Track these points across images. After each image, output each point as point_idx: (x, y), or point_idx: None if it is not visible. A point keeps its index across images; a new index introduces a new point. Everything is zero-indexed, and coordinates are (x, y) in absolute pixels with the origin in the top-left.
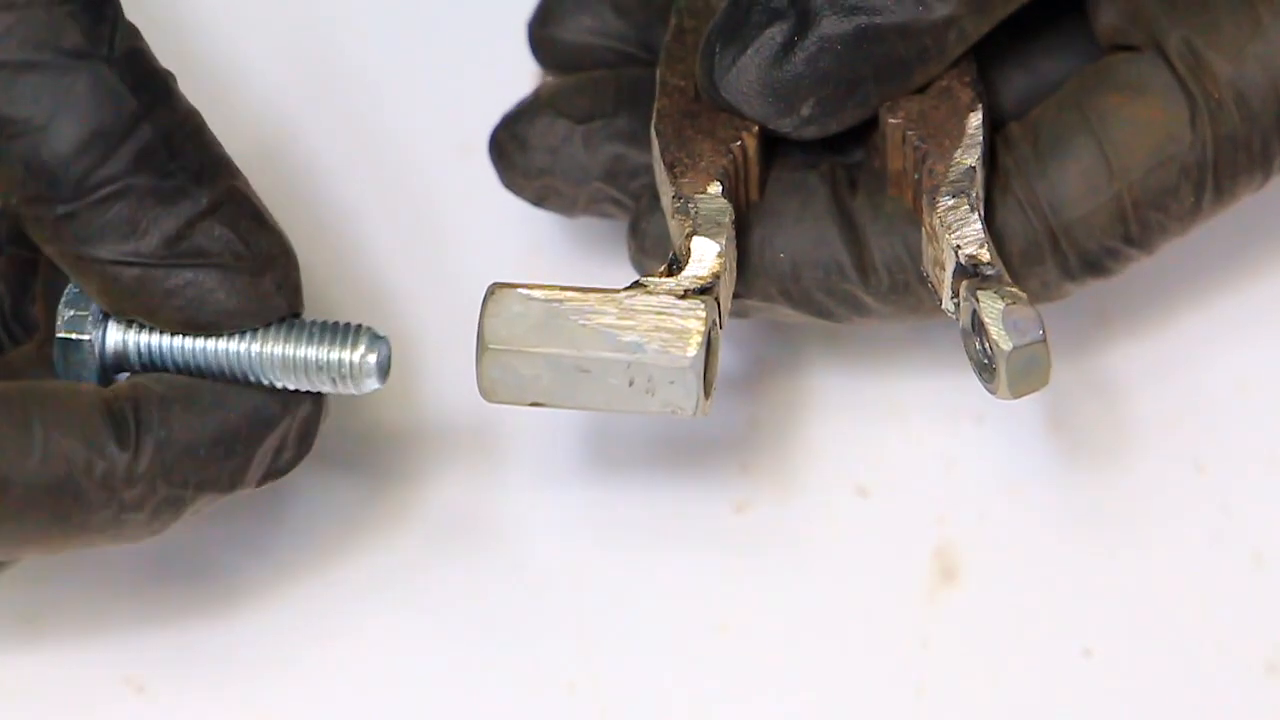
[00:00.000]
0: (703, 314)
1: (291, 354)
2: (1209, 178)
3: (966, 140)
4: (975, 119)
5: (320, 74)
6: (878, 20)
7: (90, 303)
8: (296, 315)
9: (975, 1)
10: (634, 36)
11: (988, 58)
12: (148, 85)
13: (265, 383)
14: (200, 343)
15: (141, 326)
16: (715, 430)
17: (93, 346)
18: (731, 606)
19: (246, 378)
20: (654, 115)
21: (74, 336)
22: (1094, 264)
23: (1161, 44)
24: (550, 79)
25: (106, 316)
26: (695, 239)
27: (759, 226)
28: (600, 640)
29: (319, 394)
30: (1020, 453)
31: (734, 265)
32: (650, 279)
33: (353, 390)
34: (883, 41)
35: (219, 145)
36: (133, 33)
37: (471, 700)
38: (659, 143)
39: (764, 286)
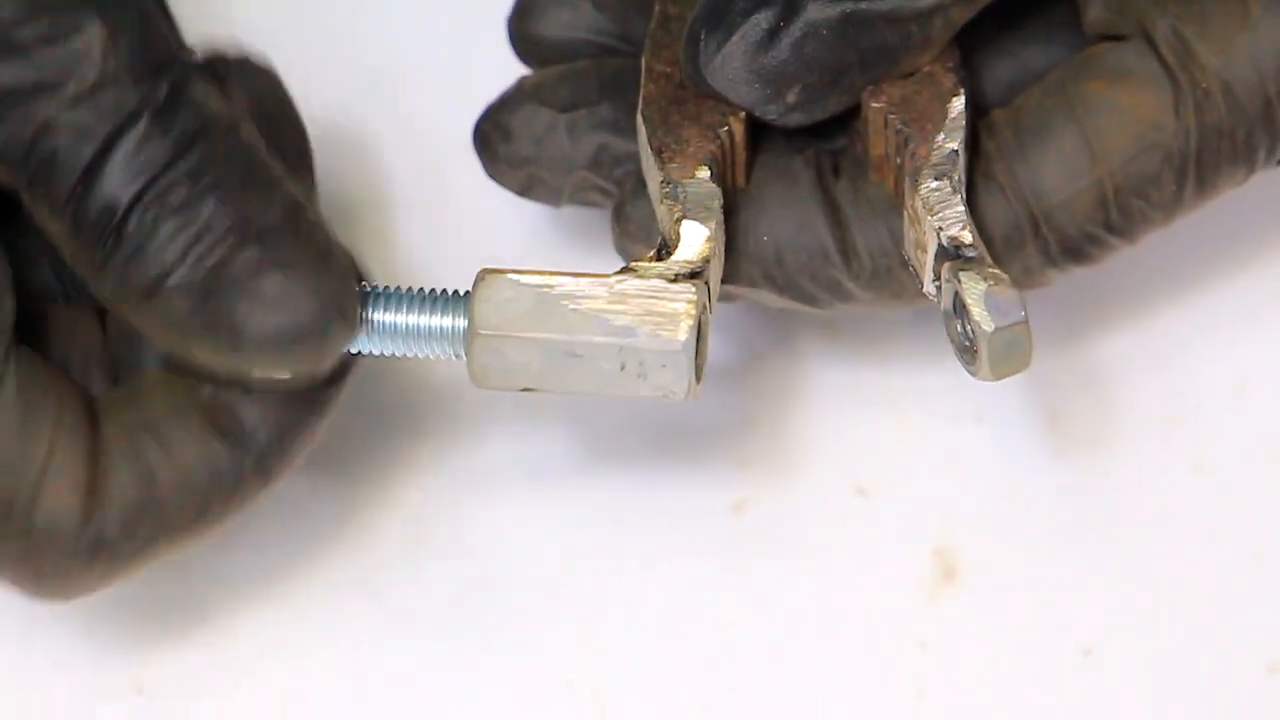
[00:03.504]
0: (693, 297)
1: (408, 322)
2: (1191, 167)
3: (949, 124)
4: (958, 103)
5: (313, 71)
6: (864, 7)
7: None
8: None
9: None
10: (613, 29)
11: (974, 47)
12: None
13: (379, 354)
14: None
15: None
16: (713, 428)
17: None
18: (730, 606)
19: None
20: (640, 101)
21: None
22: (1075, 250)
23: (1149, 32)
24: (533, 71)
25: None
26: (684, 223)
27: (743, 211)
28: (598, 639)
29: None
30: (1021, 452)
31: (722, 250)
32: (640, 263)
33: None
34: (869, 28)
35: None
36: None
37: (470, 699)
38: (646, 128)
39: (748, 271)
